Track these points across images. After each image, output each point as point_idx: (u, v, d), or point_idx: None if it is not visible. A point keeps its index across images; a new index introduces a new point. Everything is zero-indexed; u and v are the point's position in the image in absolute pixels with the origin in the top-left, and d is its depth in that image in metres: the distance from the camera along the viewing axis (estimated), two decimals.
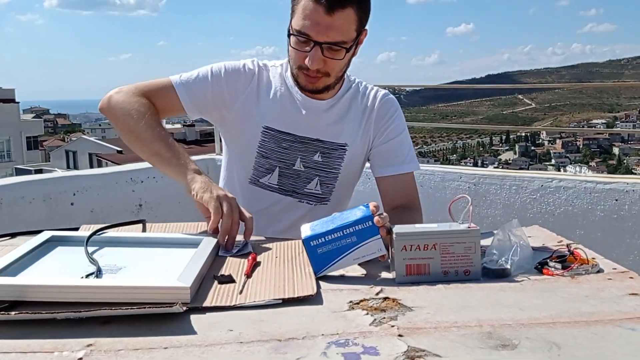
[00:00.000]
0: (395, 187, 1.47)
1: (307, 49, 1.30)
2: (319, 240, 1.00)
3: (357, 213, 1.02)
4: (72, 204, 2.07)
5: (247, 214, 1.18)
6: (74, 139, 40.66)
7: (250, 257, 1.06)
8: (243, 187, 1.50)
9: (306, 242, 1.01)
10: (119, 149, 30.13)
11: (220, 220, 1.14)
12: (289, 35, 1.32)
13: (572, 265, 1.01)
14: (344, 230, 1.00)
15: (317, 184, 1.48)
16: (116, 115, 1.36)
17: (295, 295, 0.90)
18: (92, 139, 38.54)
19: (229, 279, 0.97)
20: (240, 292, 0.91)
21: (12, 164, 31.80)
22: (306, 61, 1.31)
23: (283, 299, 0.89)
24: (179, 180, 1.24)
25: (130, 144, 1.35)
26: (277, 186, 1.48)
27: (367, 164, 1.55)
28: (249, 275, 0.99)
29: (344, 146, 1.47)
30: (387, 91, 1.53)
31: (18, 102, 37.75)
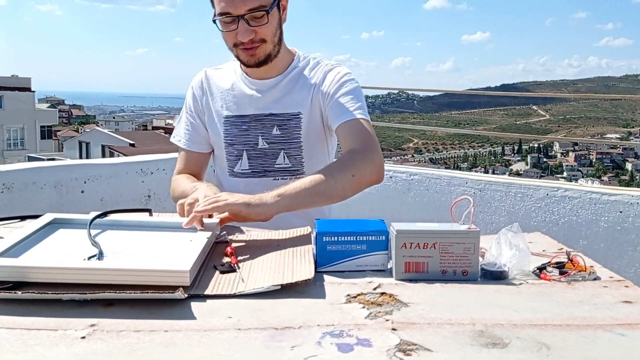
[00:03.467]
0: (349, 133, 1.45)
1: (234, 27, 1.39)
2: (332, 237, 1.03)
3: (374, 224, 1.06)
4: (82, 191, 2.11)
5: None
6: (88, 130, 40.97)
7: (227, 250, 1.08)
8: (226, 181, 1.61)
9: (319, 235, 1.04)
10: (131, 141, 30.32)
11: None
12: (214, 22, 1.41)
13: (570, 271, 1.02)
14: (357, 237, 1.04)
15: (284, 157, 1.56)
16: (174, 196, 1.57)
17: (293, 281, 0.92)
18: (105, 130, 38.82)
19: (230, 269, 0.99)
20: (243, 280, 0.94)
21: (25, 152, 32.10)
22: (238, 37, 1.40)
23: (282, 285, 0.91)
24: None
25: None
26: (249, 170, 1.57)
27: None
28: (237, 264, 1.01)
29: (298, 115, 1.54)
30: (337, 63, 1.59)
31: (34, 91, 38.08)
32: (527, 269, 1.03)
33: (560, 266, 1.04)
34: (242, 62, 1.50)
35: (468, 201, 1.05)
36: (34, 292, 0.83)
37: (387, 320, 0.81)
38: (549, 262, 1.06)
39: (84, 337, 0.74)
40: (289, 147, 1.55)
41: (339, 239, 1.03)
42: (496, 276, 1.01)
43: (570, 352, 0.72)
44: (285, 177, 1.55)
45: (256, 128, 1.55)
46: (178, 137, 1.65)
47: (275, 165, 1.56)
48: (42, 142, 36.39)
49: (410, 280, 0.99)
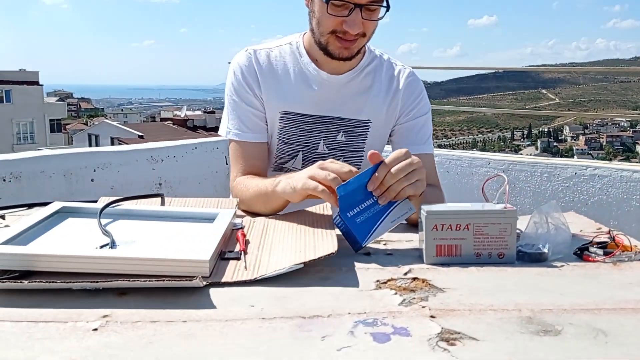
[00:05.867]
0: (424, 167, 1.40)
1: (344, 13, 1.23)
2: (355, 210, 0.98)
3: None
4: (92, 180, 2.05)
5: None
6: (97, 123, 41.16)
7: (239, 234, 1.02)
8: (268, 173, 1.44)
9: (343, 214, 0.98)
10: (140, 133, 30.42)
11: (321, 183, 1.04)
12: (327, 1, 1.23)
13: (614, 251, 0.95)
14: (374, 198, 0.99)
15: None
16: (246, 205, 1.29)
17: (316, 257, 0.87)
18: (114, 123, 39.00)
19: (235, 256, 0.93)
20: (245, 268, 0.87)
21: (35, 146, 32.28)
22: (344, 26, 1.24)
23: (304, 263, 0.86)
24: (287, 198, 1.15)
25: (259, 210, 1.26)
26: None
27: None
28: (245, 251, 0.95)
29: (367, 123, 1.41)
30: (412, 69, 1.47)
31: (42, 85, 38.22)
32: (567, 249, 0.96)
33: (603, 246, 0.97)
34: (327, 52, 1.31)
35: (501, 179, 0.98)
36: (41, 282, 0.77)
37: (424, 307, 0.75)
38: (590, 242, 0.99)
39: (96, 329, 0.68)
40: (350, 155, 1.42)
41: (361, 207, 0.98)
42: (535, 258, 0.94)
43: (630, 339, 0.65)
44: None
45: (320, 131, 1.40)
46: (236, 129, 1.38)
47: None
48: (51, 136, 36.57)
49: (442, 265, 0.92)
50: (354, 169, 1.05)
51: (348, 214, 0.98)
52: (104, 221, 1.03)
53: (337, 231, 1.01)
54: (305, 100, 1.38)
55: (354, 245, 0.99)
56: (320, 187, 1.03)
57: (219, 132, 1.44)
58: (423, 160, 1.40)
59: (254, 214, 1.23)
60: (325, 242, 0.94)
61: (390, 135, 1.47)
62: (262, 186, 1.22)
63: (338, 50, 1.29)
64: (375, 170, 0.99)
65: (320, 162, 1.08)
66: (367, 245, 1.00)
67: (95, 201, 1.19)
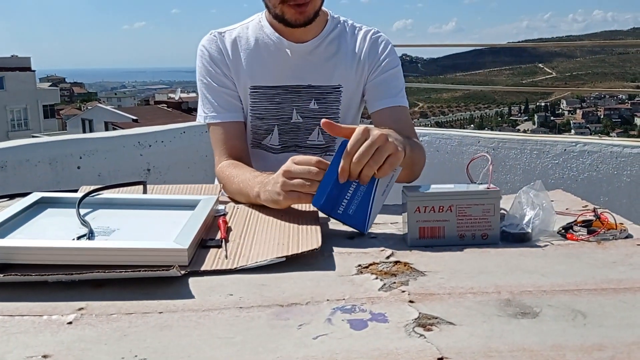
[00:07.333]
0: (394, 121, 1.35)
1: None
2: (342, 204, 0.96)
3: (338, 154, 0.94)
4: (78, 167, 2.03)
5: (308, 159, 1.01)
6: (90, 107, 40.94)
7: (220, 221, 1.00)
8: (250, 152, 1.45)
9: (333, 214, 0.97)
10: (134, 117, 30.28)
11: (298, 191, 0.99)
12: None
13: (599, 230, 0.94)
14: (355, 181, 0.95)
15: (318, 133, 1.42)
16: (229, 194, 1.27)
17: (299, 251, 0.85)
18: (108, 107, 38.81)
19: (216, 244, 0.91)
20: (226, 257, 0.86)
21: (29, 133, 32.13)
22: None
23: (287, 257, 0.84)
24: (273, 207, 1.08)
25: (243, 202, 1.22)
26: (279, 146, 1.43)
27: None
28: (226, 239, 0.93)
29: (338, 88, 1.41)
30: (377, 29, 1.46)
31: (34, 71, 37.92)
32: (551, 229, 0.95)
33: (587, 225, 0.96)
34: (285, 22, 1.32)
35: (485, 159, 0.97)
36: (16, 275, 0.76)
37: (403, 291, 0.74)
38: (575, 220, 0.98)
39: (70, 323, 0.67)
40: None
41: (347, 197, 0.95)
42: (518, 238, 0.93)
43: (609, 320, 0.64)
44: (316, 154, 1.41)
45: (291, 101, 1.39)
46: (211, 112, 1.38)
47: (308, 141, 1.42)
48: (45, 122, 36.39)
49: (426, 247, 0.91)
50: (314, 159, 0.99)
51: (338, 210, 0.96)
52: (83, 211, 1.01)
53: (332, 220, 0.99)
54: (272, 71, 1.39)
55: (360, 231, 0.97)
56: (301, 196, 0.99)
57: (197, 120, 1.43)
58: (397, 112, 1.39)
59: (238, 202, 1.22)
60: (310, 237, 0.92)
61: (363, 96, 1.45)
62: (243, 187, 1.17)
63: (294, 17, 1.30)
64: (339, 160, 0.93)
65: (284, 168, 1.01)
66: (353, 229, 0.99)
67: (77, 190, 1.17)
